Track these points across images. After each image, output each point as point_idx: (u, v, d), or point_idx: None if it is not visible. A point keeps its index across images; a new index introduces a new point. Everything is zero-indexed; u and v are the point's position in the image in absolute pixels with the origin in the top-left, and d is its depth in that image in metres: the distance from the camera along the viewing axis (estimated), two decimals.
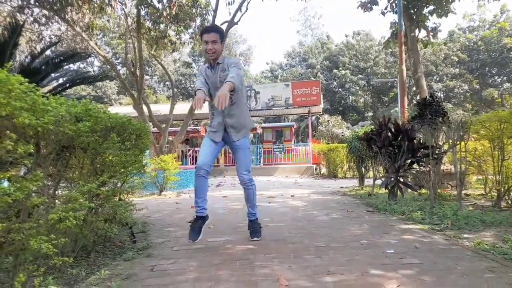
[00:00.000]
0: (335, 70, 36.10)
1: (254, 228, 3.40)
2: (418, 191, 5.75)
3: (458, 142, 4.56)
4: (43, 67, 4.37)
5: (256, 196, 3.45)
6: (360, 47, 36.92)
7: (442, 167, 6.35)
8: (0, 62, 1.52)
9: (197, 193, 3.22)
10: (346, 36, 39.83)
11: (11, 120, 1.49)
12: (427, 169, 5.18)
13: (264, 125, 24.12)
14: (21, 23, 4.46)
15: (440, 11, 11.29)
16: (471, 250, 2.81)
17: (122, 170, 3.18)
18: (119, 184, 3.32)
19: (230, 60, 3.27)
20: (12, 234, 1.72)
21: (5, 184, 2.09)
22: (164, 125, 12.72)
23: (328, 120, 25.32)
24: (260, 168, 16.84)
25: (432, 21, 11.83)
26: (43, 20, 12.48)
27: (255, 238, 3.33)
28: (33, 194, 1.93)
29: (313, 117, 26.83)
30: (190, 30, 12.82)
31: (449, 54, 31.84)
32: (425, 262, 2.53)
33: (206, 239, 3.44)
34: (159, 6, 11.23)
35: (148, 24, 12.35)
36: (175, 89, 17.28)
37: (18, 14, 11.19)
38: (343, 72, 35.21)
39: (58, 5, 10.35)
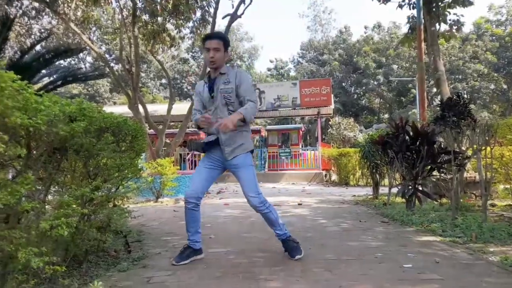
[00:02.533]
0: (356, 58, 35.98)
1: (289, 246, 3.15)
2: (439, 200, 5.73)
3: (483, 147, 4.55)
4: (33, 63, 4.42)
5: (277, 214, 3.23)
6: (381, 41, 36.94)
7: (465, 174, 6.33)
8: None
9: (187, 226, 3.14)
10: (366, 28, 39.91)
11: (2, 119, 1.53)
12: (449, 176, 5.16)
13: (269, 127, 24.14)
14: (12, 16, 4.52)
15: (455, 3, 11.24)
16: (497, 265, 2.80)
17: (117, 174, 3.21)
18: (113, 189, 3.35)
19: (241, 74, 3.15)
20: (0, 242, 1.74)
21: None
22: (161, 127, 12.78)
23: (340, 123, 25.31)
24: (265, 175, 16.83)
25: (453, 12, 11.72)
26: (33, 13, 12.62)
27: (296, 257, 3.07)
28: (23, 198, 1.96)
29: (323, 119, 26.82)
30: (190, 24, 12.89)
31: (477, 51, 31.64)
32: (446, 278, 2.53)
33: (207, 250, 3.45)
34: None
35: (144, 17, 12.44)
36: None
37: (6, 6, 11.33)
38: (366, 62, 35.13)
39: None
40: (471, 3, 11.32)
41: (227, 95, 3.06)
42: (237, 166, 3.08)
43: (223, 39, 3.12)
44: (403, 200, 5.72)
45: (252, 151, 3.17)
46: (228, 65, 3.28)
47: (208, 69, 3.21)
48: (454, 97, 6.48)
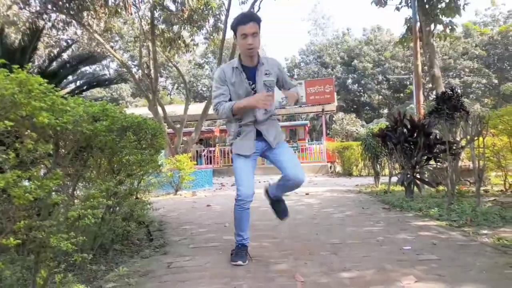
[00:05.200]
0: (355, 61, 35.68)
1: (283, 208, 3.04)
2: (436, 187, 5.65)
3: (476, 138, 4.48)
4: (60, 70, 4.47)
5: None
6: (378, 42, 36.55)
7: (460, 163, 6.23)
8: (20, 65, 1.56)
9: (240, 227, 2.70)
10: (364, 30, 39.51)
11: (31, 120, 1.53)
12: (445, 165, 5.09)
13: None
14: (40, 28, 4.56)
15: (449, 9, 11.05)
16: (491, 246, 2.75)
17: (139, 169, 3.23)
18: (135, 183, 3.37)
19: (276, 63, 2.73)
20: (33, 232, 1.76)
21: (26, 183, 2.14)
22: (178, 126, 12.83)
23: (342, 118, 25.16)
24: (275, 167, 16.77)
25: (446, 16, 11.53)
26: (60, 25, 12.74)
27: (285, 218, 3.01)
28: (53, 193, 1.98)
29: (327, 115, 26.67)
30: (203, 31, 12.91)
31: (467, 48, 31.22)
32: (443, 258, 2.49)
33: (222, 237, 3.46)
34: (173, 8, 11.36)
35: (161, 26, 12.48)
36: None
37: (36, 19, 11.46)
38: (364, 64, 34.83)
39: (75, 9, 10.56)
40: (458, 13, 11.10)
41: (270, 89, 2.65)
42: (282, 150, 2.75)
43: (258, 20, 2.55)
44: (403, 188, 5.66)
45: None
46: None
47: (240, 55, 2.65)
48: (448, 91, 6.37)
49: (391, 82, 35.22)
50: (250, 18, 2.52)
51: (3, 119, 1.39)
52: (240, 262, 2.54)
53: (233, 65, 2.63)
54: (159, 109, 12.29)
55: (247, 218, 2.69)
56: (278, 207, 3.06)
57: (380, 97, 38.51)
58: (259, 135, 2.69)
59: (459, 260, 2.43)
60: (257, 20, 2.53)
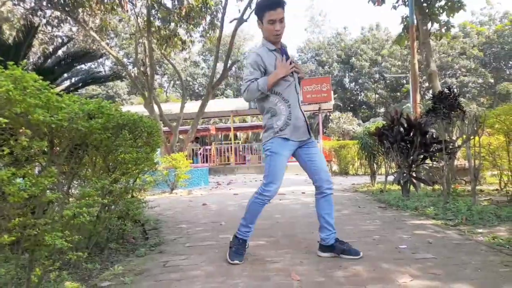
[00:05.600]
0: (353, 59, 35.74)
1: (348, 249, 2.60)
2: (432, 186, 5.68)
3: (472, 137, 4.50)
4: (55, 67, 4.44)
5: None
6: (376, 40, 36.64)
7: (456, 162, 6.27)
8: (15, 62, 1.55)
9: (252, 220, 2.65)
10: (362, 28, 39.56)
11: (26, 117, 1.53)
12: (441, 164, 5.11)
13: None
14: (35, 25, 4.53)
15: (450, 7, 11.09)
16: (486, 244, 2.77)
17: (134, 167, 3.21)
18: (131, 181, 3.36)
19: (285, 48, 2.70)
20: (27, 230, 1.75)
21: (19, 180, 2.13)
22: (174, 124, 12.80)
23: (339, 117, 25.21)
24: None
25: (444, 14, 11.58)
26: (55, 21, 12.67)
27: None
28: (48, 191, 1.97)
29: (324, 114, 26.70)
30: (200, 28, 12.87)
31: (465, 47, 31.36)
32: (438, 257, 2.51)
33: (218, 236, 3.46)
34: (169, 5, 11.32)
35: (158, 23, 12.44)
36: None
37: (31, 16, 11.38)
38: (362, 63, 34.90)
39: (70, 6, 10.49)
40: (463, 8, 11.14)
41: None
42: (316, 149, 2.67)
43: (284, 5, 2.48)
44: (398, 187, 5.69)
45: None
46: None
47: (265, 39, 2.59)
48: (445, 91, 6.40)
49: (387, 81, 35.34)
50: (278, 3, 2.45)
51: None
52: (237, 261, 2.53)
53: (269, 47, 2.58)
54: (155, 107, 12.25)
55: (261, 211, 2.66)
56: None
57: (377, 96, 38.63)
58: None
59: (454, 258, 2.45)
60: (284, 6, 2.47)
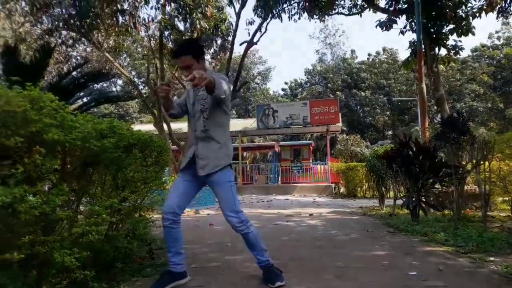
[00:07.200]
0: (354, 90, 35.96)
1: (271, 275, 2.56)
2: (441, 211, 5.59)
3: (482, 162, 4.45)
4: (70, 86, 4.55)
5: (259, 237, 2.68)
6: (382, 66, 36.80)
7: (466, 187, 6.18)
8: (33, 81, 1.58)
9: (167, 246, 2.61)
10: (369, 55, 39.80)
11: (40, 135, 1.55)
12: (450, 189, 5.04)
13: (282, 143, 24.10)
14: (52, 45, 4.67)
15: (459, 30, 11.19)
16: (498, 273, 2.70)
17: (143, 186, 3.23)
18: (139, 200, 3.36)
19: (217, 76, 2.45)
20: (37, 247, 1.76)
21: (30, 198, 2.15)
22: (183, 143, 12.89)
23: (347, 139, 25.14)
24: (278, 187, 16.80)
25: (453, 38, 11.64)
26: (70, 41, 13.01)
27: (277, 284, 2.47)
28: (58, 208, 1.98)
29: (332, 136, 26.70)
30: (211, 50, 13.11)
31: (475, 73, 31.31)
32: (450, 285, 2.44)
33: (224, 257, 3.42)
34: (181, 27, 11.58)
35: (170, 45, 12.71)
36: None
37: (47, 36, 11.71)
38: (363, 94, 35.08)
39: (85, 28, 10.80)
40: (471, 32, 11.21)
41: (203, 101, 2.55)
42: (212, 183, 2.59)
43: (189, 50, 2.51)
44: (407, 211, 5.61)
45: (230, 166, 2.61)
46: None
47: None
48: (454, 115, 6.36)
49: (395, 104, 35.33)
50: (180, 52, 2.51)
51: (15, 135, 1.41)
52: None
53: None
54: (165, 126, 12.36)
55: (171, 237, 2.59)
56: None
57: (386, 117, 38.58)
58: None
59: (466, 287, 2.39)
60: (188, 51, 2.49)
